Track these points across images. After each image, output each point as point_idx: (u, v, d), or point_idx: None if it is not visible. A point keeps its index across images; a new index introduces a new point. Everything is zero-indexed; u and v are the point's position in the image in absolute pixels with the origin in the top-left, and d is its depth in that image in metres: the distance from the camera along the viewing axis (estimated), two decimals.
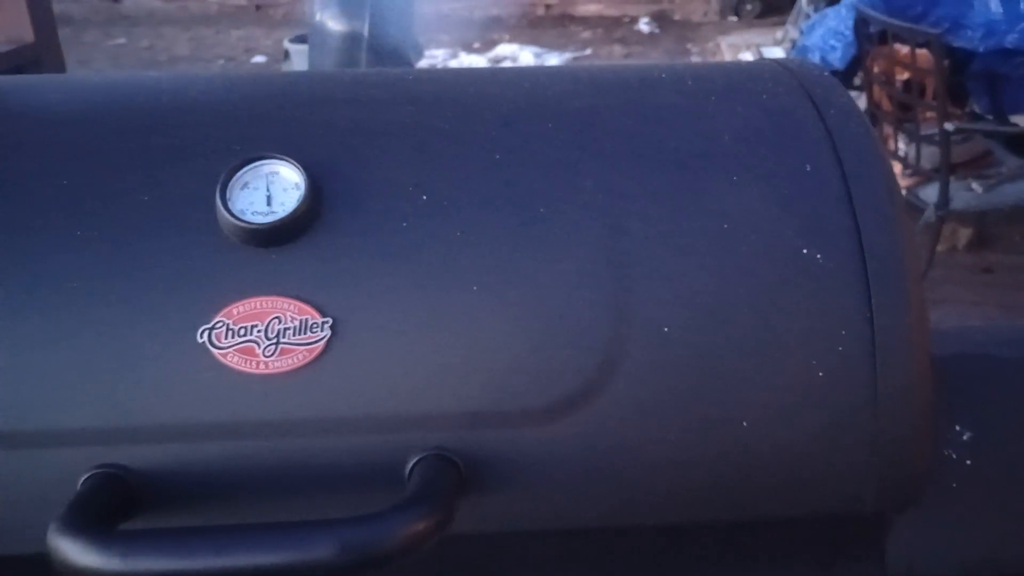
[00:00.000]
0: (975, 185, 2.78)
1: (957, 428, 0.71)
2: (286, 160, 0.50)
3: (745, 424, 0.50)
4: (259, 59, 6.63)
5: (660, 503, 0.51)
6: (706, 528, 0.54)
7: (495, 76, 0.62)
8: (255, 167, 0.50)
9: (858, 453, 0.51)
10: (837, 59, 3.21)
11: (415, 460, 0.48)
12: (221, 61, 6.69)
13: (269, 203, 0.50)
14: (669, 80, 0.60)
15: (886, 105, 3.11)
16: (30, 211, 0.50)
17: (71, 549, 0.41)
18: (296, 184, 0.50)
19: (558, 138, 0.55)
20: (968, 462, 0.69)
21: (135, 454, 0.47)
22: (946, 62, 2.80)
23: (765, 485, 0.52)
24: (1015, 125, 3.13)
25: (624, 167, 0.53)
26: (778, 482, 0.52)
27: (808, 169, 0.54)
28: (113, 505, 0.46)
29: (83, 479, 0.46)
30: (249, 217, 0.49)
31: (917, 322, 0.52)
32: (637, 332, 0.50)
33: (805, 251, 0.51)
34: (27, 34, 1.56)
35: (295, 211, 0.49)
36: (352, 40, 2.18)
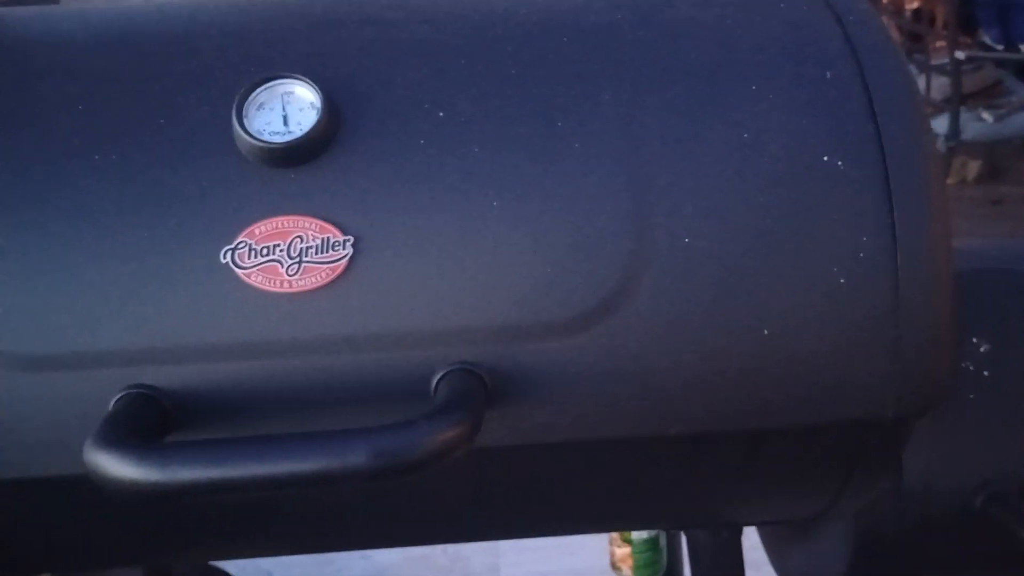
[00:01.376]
0: (986, 115, 2.75)
1: (974, 340, 0.71)
2: (301, 79, 0.50)
3: (766, 332, 0.50)
4: None
5: (683, 413, 0.52)
6: (730, 438, 0.55)
7: None
8: (270, 87, 0.50)
9: (879, 360, 0.52)
10: None
11: (441, 374, 0.49)
12: None
13: (286, 123, 0.49)
14: None
15: (896, 36, 3.07)
16: (48, 138, 0.50)
17: (109, 462, 0.41)
18: (312, 103, 0.50)
19: (575, 52, 0.54)
20: (985, 373, 0.69)
21: (164, 374, 0.48)
22: None
23: (787, 393, 0.52)
24: None
25: (642, 80, 0.53)
26: (800, 390, 0.52)
27: (828, 77, 0.53)
28: (146, 423, 0.46)
29: (115, 399, 0.47)
30: (267, 137, 0.49)
31: (939, 229, 0.52)
32: (658, 243, 0.50)
33: (826, 158, 0.51)
34: None
35: (312, 130, 0.49)
36: None
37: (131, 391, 0.47)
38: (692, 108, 0.52)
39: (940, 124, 2.73)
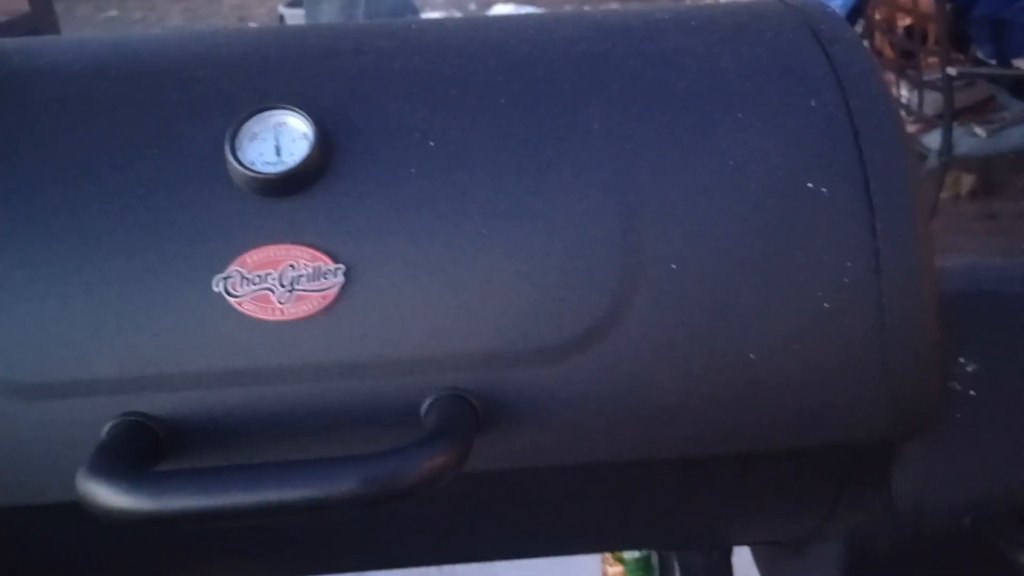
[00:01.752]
0: (979, 130, 2.77)
1: (962, 361, 0.72)
2: (293, 110, 0.51)
3: (753, 356, 0.51)
4: (253, 26, 6.57)
5: (673, 437, 0.53)
6: (719, 460, 0.55)
7: (499, 23, 0.62)
8: (263, 117, 0.51)
9: (866, 383, 0.52)
10: (838, 6, 3.18)
11: (431, 400, 0.49)
12: None
13: (279, 153, 0.50)
14: (673, 22, 0.60)
15: (888, 52, 3.09)
16: (44, 168, 0.51)
17: (101, 491, 0.42)
18: (304, 134, 0.51)
19: (564, 82, 0.55)
20: (972, 393, 0.70)
21: (157, 402, 0.48)
22: (948, 7, 2.77)
23: (775, 417, 0.53)
24: (1018, 69, 3.10)
25: (630, 109, 0.54)
26: (788, 413, 0.53)
27: (813, 105, 0.54)
28: (139, 451, 0.47)
29: (108, 427, 0.48)
30: (259, 167, 0.50)
31: (923, 253, 0.53)
32: (646, 270, 0.51)
33: (811, 185, 0.52)
34: (22, 4, 1.56)
35: (304, 160, 0.50)
36: (349, 2, 2.16)
37: (124, 419, 0.48)
38: (679, 136, 0.53)
39: (933, 139, 2.75)
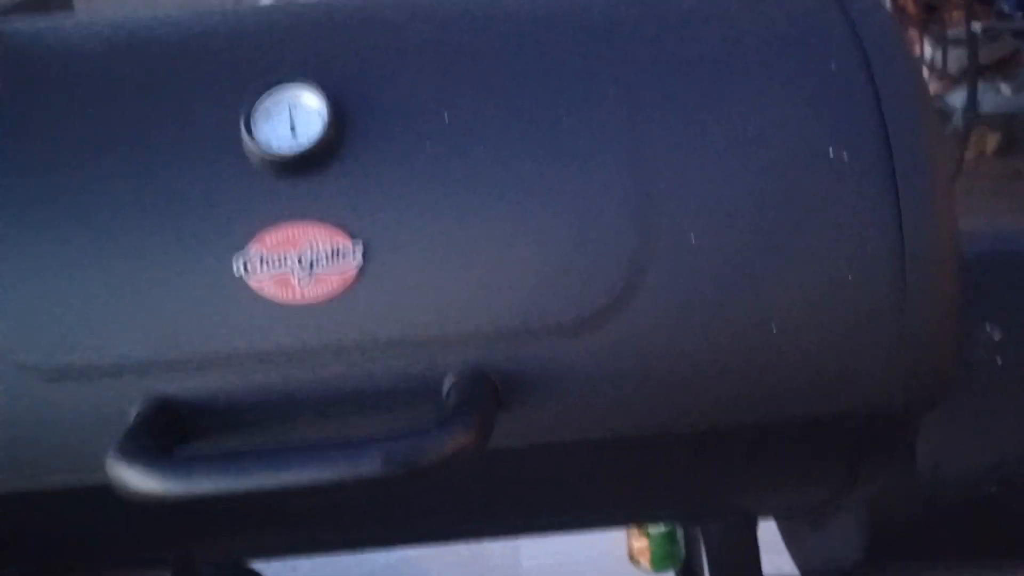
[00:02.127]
0: (1004, 86, 2.72)
1: (987, 327, 0.71)
2: (307, 85, 0.50)
3: (774, 328, 0.51)
4: None
5: (693, 408, 0.52)
6: (738, 431, 0.55)
7: None
8: (276, 96, 0.50)
9: (886, 353, 0.52)
10: None
11: (452, 378, 0.49)
12: None
13: (293, 131, 0.50)
14: None
15: (911, 8, 3.03)
16: (62, 149, 0.51)
17: (131, 475, 0.43)
18: (319, 111, 0.50)
19: (578, 49, 0.54)
20: (998, 359, 0.69)
21: (182, 384, 0.49)
22: None
23: (795, 386, 0.52)
24: None
25: (646, 75, 0.53)
26: (808, 383, 0.52)
27: (833, 68, 0.53)
28: (166, 433, 0.47)
29: (135, 409, 0.48)
30: (275, 147, 0.49)
31: (945, 221, 0.52)
32: (664, 241, 0.50)
33: (832, 152, 0.51)
34: None
35: (320, 138, 0.49)
36: None
37: (150, 401, 0.48)
38: (696, 104, 0.52)
39: (957, 98, 2.70)
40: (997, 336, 0.71)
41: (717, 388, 0.52)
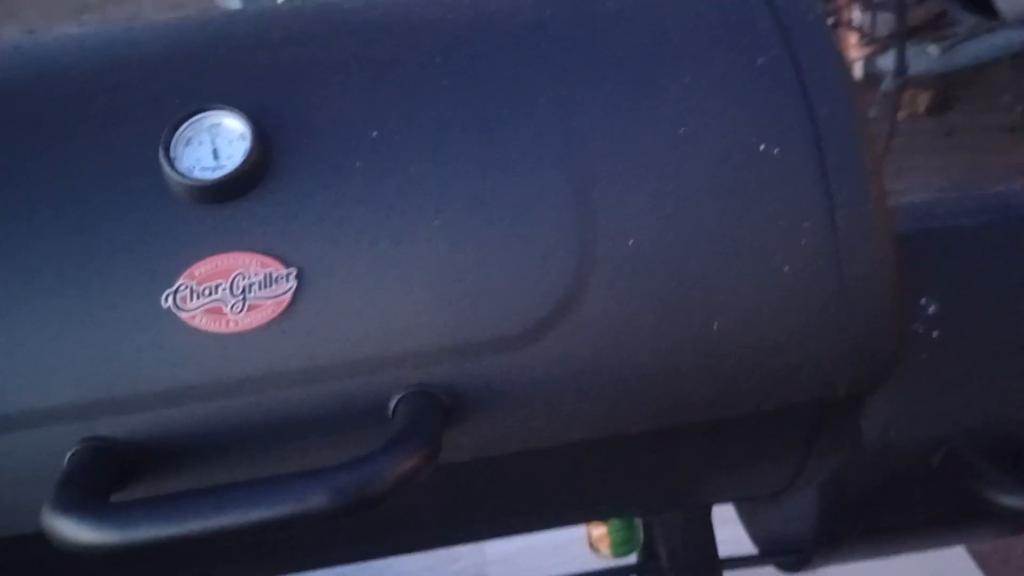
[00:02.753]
0: (932, 48, 2.77)
1: (923, 302, 0.72)
2: (228, 110, 0.49)
3: (716, 327, 0.51)
4: None
5: (641, 411, 0.53)
6: (687, 428, 0.56)
7: None
8: (196, 121, 0.49)
9: (828, 342, 0.52)
10: None
11: (397, 398, 0.49)
12: None
13: (216, 157, 0.49)
14: None
15: None
16: None
17: (66, 526, 0.41)
18: (241, 134, 0.49)
19: (506, 57, 0.53)
20: (935, 333, 0.71)
21: (117, 425, 0.47)
22: None
23: (740, 382, 0.53)
24: None
25: (575, 80, 0.53)
26: (753, 378, 0.53)
27: (760, 63, 0.53)
28: (103, 477, 0.46)
29: (69, 454, 0.47)
30: (197, 174, 0.48)
31: (878, 208, 0.52)
32: (603, 247, 0.50)
33: (762, 147, 0.51)
34: None
35: (244, 163, 0.48)
36: None
37: (85, 445, 0.47)
38: (627, 106, 0.52)
39: (887, 61, 2.74)
40: (932, 310, 0.72)
41: (664, 390, 0.52)
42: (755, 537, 0.91)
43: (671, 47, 0.54)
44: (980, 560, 1.62)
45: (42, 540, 0.45)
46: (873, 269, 0.52)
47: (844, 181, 0.51)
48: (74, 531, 0.41)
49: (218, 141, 0.49)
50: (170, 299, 0.47)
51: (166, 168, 0.48)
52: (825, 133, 0.52)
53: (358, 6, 0.59)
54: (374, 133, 0.50)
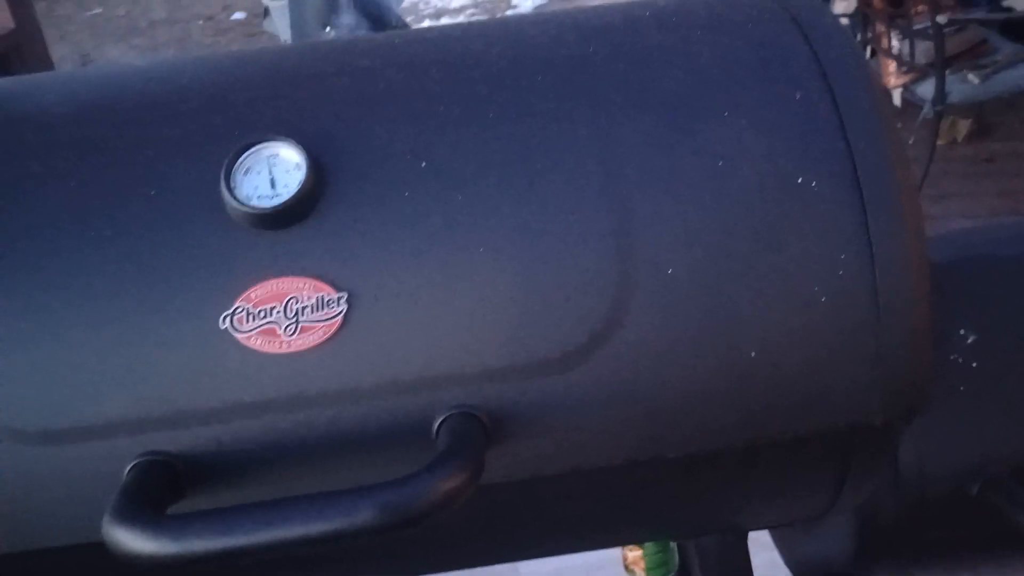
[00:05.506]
0: (971, 76, 2.75)
1: (961, 332, 0.73)
2: (285, 141, 0.51)
3: (753, 354, 0.52)
4: (238, 15, 6.53)
5: (678, 435, 0.54)
6: (723, 453, 0.56)
7: (481, 31, 0.62)
8: (255, 152, 0.51)
9: (863, 370, 0.53)
10: None
11: (441, 419, 0.50)
12: (200, 21, 6.59)
13: (273, 186, 0.51)
14: (653, 18, 0.60)
15: (877, 3, 3.06)
16: (44, 214, 0.51)
17: (127, 537, 0.43)
18: (297, 164, 0.51)
19: (548, 89, 0.55)
20: (974, 364, 0.71)
21: (173, 441, 0.50)
22: None
23: (776, 407, 0.54)
24: (1008, 9, 3.07)
25: (616, 113, 0.54)
26: (789, 403, 0.54)
27: (798, 97, 0.55)
28: (160, 491, 0.48)
29: (128, 468, 0.49)
30: (255, 202, 0.50)
31: (913, 238, 0.53)
32: (642, 276, 0.51)
33: (800, 180, 0.52)
34: (6, 21, 1.56)
35: (299, 192, 0.50)
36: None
37: (143, 459, 0.49)
38: (667, 139, 0.53)
39: (927, 89, 2.73)
40: (971, 340, 0.72)
41: (700, 414, 0.53)
42: (789, 562, 0.91)
43: (710, 81, 0.55)
44: None
45: (96, 551, 0.47)
46: (908, 299, 0.53)
47: (881, 214, 0.52)
48: (133, 542, 0.43)
49: (275, 171, 0.51)
50: (227, 320, 0.49)
51: (226, 196, 0.50)
52: (862, 166, 0.53)
53: (408, 39, 0.61)
54: (423, 163, 0.52)
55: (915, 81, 2.91)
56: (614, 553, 1.23)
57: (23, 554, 0.52)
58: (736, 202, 0.52)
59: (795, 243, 0.52)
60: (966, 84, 2.75)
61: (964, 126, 3.35)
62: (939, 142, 2.95)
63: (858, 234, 0.52)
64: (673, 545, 0.97)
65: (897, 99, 3.06)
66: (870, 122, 0.54)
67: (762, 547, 0.89)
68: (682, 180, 0.53)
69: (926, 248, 0.55)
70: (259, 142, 0.51)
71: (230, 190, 0.50)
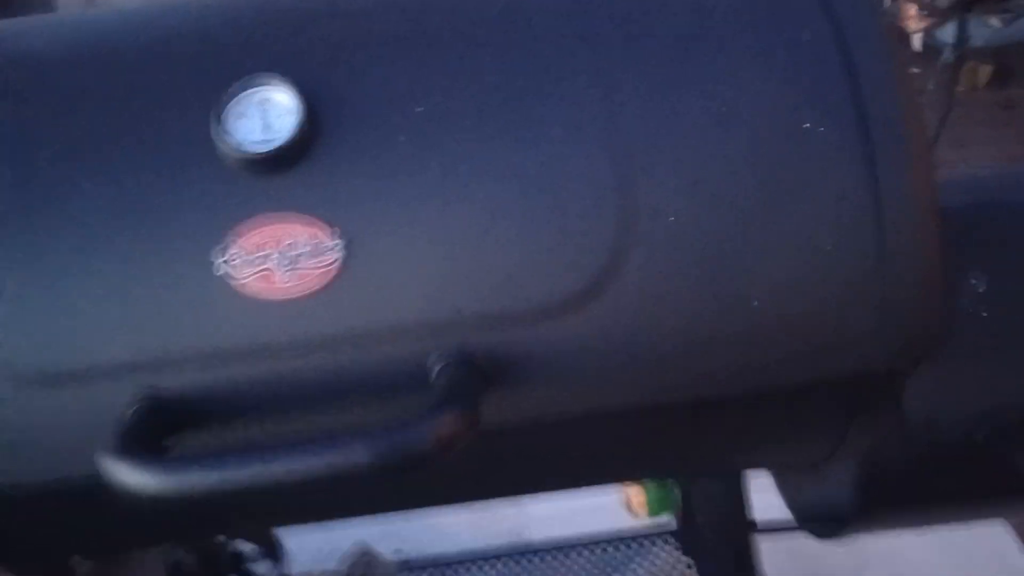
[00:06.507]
0: (993, 20, 2.68)
1: (972, 281, 0.71)
2: (279, 84, 0.50)
3: (756, 302, 0.51)
4: None
5: (678, 382, 0.53)
6: (727, 399, 0.56)
7: None
8: (248, 95, 0.50)
9: (868, 317, 0.53)
10: None
11: (439, 364, 0.50)
12: None
13: (266, 130, 0.50)
14: None
15: None
16: (39, 157, 0.51)
17: (125, 472, 0.44)
18: (291, 108, 0.50)
19: (548, 32, 0.54)
20: (984, 313, 0.70)
21: (171, 383, 0.50)
22: None
23: (779, 355, 0.53)
24: None
25: (618, 56, 0.53)
26: (792, 351, 0.53)
27: (805, 39, 0.53)
28: (158, 432, 0.48)
29: (125, 409, 0.49)
30: (248, 146, 0.49)
31: (922, 183, 0.52)
32: (643, 221, 0.50)
33: (807, 124, 0.51)
34: None
35: (293, 136, 0.50)
36: None
37: (141, 399, 0.49)
38: (669, 83, 0.52)
39: (947, 33, 2.67)
40: (982, 288, 0.71)
41: (702, 362, 0.52)
42: (791, 506, 0.91)
43: (715, 23, 0.54)
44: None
45: (93, 489, 0.47)
46: (915, 246, 0.52)
47: (888, 159, 0.51)
48: (132, 476, 0.44)
49: (269, 114, 0.50)
50: (223, 266, 0.49)
51: (219, 140, 0.49)
52: (870, 112, 0.51)
53: None
54: (418, 108, 0.51)
55: (936, 25, 2.84)
56: (616, 494, 1.25)
57: (24, 492, 0.52)
58: (740, 146, 0.51)
59: (800, 188, 0.51)
60: (988, 28, 2.69)
61: (984, 72, 3.28)
62: (959, 88, 2.89)
63: (864, 180, 0.51)
64: (673, 484, 0.97)
65: (917, 43, 2.99)
66: (879, 67, 0.53)
67: (759, 489, 0.89)
68: (685, 124, 0.51)
69: (936, 195, 0.53)
70: (252, 85, 0.50)
71: (223, 135, 0.49)
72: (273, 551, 1.41)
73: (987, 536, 1.60)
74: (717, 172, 0.51)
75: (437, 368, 0.50)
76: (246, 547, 1.42)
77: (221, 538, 1.26)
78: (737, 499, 0.76)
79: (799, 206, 0.51)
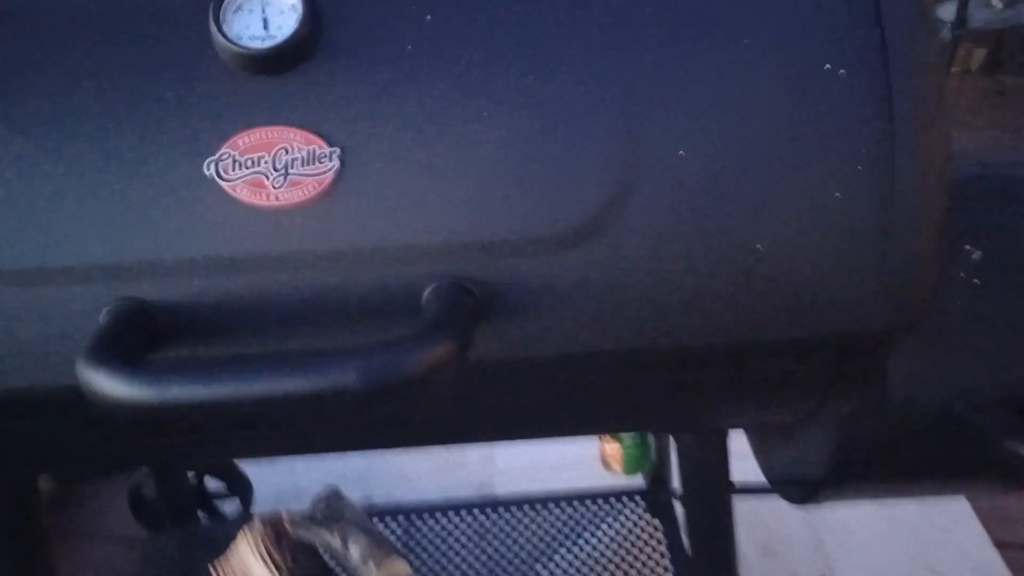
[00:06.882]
0: (995, 2, 2.67)
1: (968, 248, 0.71)
2: None
3: (760, 247, 0.50)
4: None
5: (670, 327, 0.52)
6: (713, 349, 0.55)
7: None
8: None
9: (867, 275, 0.51)
10: None
11: (430, 289, 0.48)
12: None
13: (266, 27, 0.47)
14: None
15: None
16: (24, 51, 0.48)
17: (101, 380, 0.42)
18: (292, 5, 0.48)
19: None
20: (976, 281, 0.69)
21: (153, 289, 0.47)
22: None
23: (775, 308, 0.52)
24: None
25: None
26: (788, 305, 0.52)
27: None
28: (136, 337, 0.46)
29: (104, 312, 0.47)
30: (246, 43, 0.47)
31: (939, 144, 0.51)
32: (651, 157, 0.49)
33: (828, 66, 0.49)
34: None
35: (294, 35, 0.47)
36: None
37: (120, 304, 0.47)
38: (686, 16, 0.50)
39: (947, 11, 2.65)
40: (977, 257, 0.70)
41: (697, 308, 0.51)
42: (766, 469, 0.91)
43: None
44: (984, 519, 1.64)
45: (66, 399, 0.45)
46: (924, 205, 0.51)
47: (909, 108, 0.49)
48: (108, 385, 0.41)
49: (269, 10, 0.48)
50: (213, 167, 0.47)
51: (215, 34, 0.47)
52: (895, 58, 0.50)
53: None
54: (428, 17, 0.49)
55: (936, 3, 2.82)
56: (588, 451, 1.25)
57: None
58: (758, 84, 0.49)
59: (817, 132, 0.49)
60: (988, 9, 2.67)
61: (979, 56, 3.27)
62: (953, 69, 2.88)
63: (882, 128, 0.49)
64: (651, 441, 0.97)
65: None
66: (908, 16, 0.51)
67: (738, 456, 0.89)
68: (700, 60, 0.49)
69: (950, 155, 0.52)
70: None
71: (219, 28, 0.47)
72: (242, 490, 1.41)
73: (941, 513, 1.63)
74: (731, 109, 0.49)
75: (429, 294, 0.48)
76: (214, 485, 1.41)
77: (190, 475, 1.25)
78: (720, 459, 0.76)
79: (812, 150, 0.49)
